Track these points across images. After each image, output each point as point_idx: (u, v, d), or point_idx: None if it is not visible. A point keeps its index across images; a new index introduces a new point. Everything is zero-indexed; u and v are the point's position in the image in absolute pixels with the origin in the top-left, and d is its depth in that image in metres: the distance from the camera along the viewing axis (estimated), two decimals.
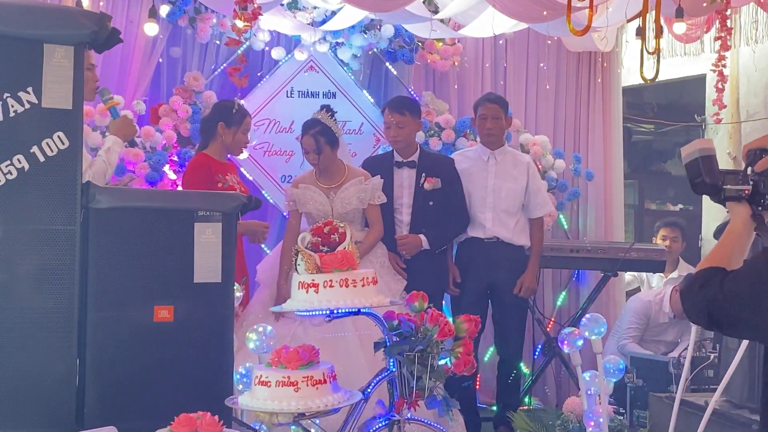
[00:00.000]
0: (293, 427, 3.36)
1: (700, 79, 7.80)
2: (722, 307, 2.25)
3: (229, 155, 5.44)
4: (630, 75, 7.53)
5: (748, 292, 2.21)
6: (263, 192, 6.24)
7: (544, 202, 5.97)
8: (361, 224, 5.37)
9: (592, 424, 4.15)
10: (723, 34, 6.33)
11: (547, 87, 7.08)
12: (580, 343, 4.30)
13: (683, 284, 2.39)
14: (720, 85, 6.46)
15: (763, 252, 2.26)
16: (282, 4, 5.98)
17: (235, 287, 3.81)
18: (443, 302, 5.77)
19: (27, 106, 3.30)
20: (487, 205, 5.79)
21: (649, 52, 5.13)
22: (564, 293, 6.99)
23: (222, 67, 6.23)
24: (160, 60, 6.16)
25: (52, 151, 3.32)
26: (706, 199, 7.80)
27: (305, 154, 5.35)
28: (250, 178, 6.21)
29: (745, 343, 3.65)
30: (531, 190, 5.87)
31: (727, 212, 2.50)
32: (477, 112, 5.86)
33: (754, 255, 2.36)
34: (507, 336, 5.89)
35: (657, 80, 5.35)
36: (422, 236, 5.54)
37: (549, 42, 7.03)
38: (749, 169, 2.42)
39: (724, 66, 6.42)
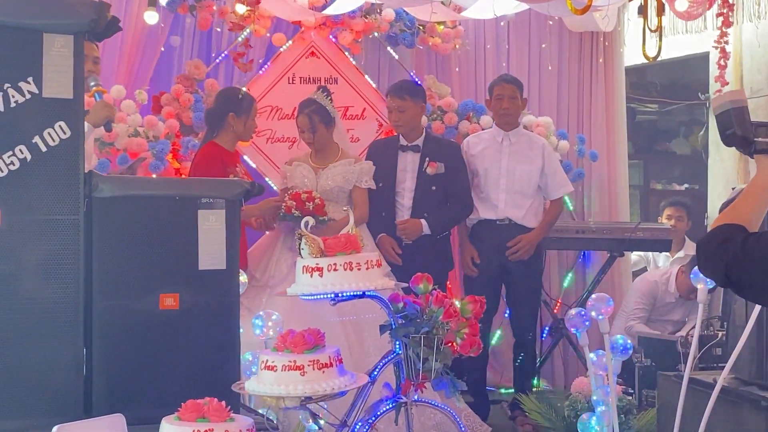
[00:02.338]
0: (300, 411, 3.36)
1: (704, 57, 7.76)
2: (742, 268, 2.18)
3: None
4: (633, 54, 7.49)
5: None
6: (266, 179, 6.23)
7: (561, 182, 5.96)
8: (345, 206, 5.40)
9: (601, 404, 4.14)
10: (725, 11, 6.30)
11: (550, 68, 7.05)
12: (588, 323, 4.30)
13: (701, 238, 2.31)
14: (723, 62, 6.43)
15: None
16: None
17: (240, 273, 3.81)
18: (447, 285, 5.78)
19: (28, 96, 3.30)
20: (501, 186, 5.79)
21: (651, 30, 5.11)
22: (570, 274, 6.98)
23: (224, 55, 6.22)
24: (162, 49, 6.14)
25: (53, 140, 3.32)
26: (711, 177, 7.83)
27: (300, 133, 5.50)
28: (253, 165, 6.20)
29: (752, 320, 3.64)
30: (547, 171, 5.86)
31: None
32: (492, 92, 5.88)
33: None
34: (521, 318, 5.89)
35: (660, 59, 5.33)
36: (423, 221, 5.55)
37: (550, 23, 7.00)
38: None
39: (726, 43, 6.38)
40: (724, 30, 6.31)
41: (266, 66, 6.34)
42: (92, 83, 4.41)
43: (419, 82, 6.44)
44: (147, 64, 6.10)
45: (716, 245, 2.22)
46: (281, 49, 6.35)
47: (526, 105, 6.17)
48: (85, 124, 4.26)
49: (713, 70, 7.23)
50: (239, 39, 6.07)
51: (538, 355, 6.53)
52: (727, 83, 6.72)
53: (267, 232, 5.57)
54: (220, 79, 6.22)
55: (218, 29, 6.20)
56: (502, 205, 5.79)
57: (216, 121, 5.29)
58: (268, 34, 6.30)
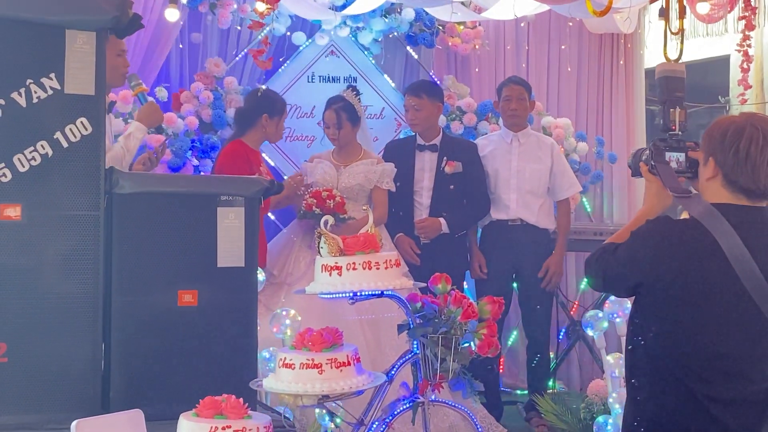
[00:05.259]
0: (317, 409, 3.36)
1: (724, 60, 7.73)
2: (611, 267, 2.65)
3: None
4: (653, 57, 7.46)
5: (627, 250, 2.61)
6: (285, 177, 6.23)
7: (570, 182, 5.95)
8: (364, 205, 5.41)
9: (617, 407, 4.13)
10: (747, 14, 6.27)
11: (569, 69, 7.04)
12: (605, 325, 4.29)
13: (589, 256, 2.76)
14: (745, 65, 6.40)
15: (648, 222, 2.65)
16: None
17: (258, 271, 3.82)
18: (465, 285, 5.77)
19: (50, 92, 3.31)
20: (512, 186, 5.78)
21: (672, 33, 5.08)
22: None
23: (244, 52, 6.23)
24: (180, 46, 6.16)
25: (75, 136, 3.34)
26: None
27: (325, 129, 5.53)
28: (272, 163, 6.21)
29: None
30: (556, 171, 5.86)
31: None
32: (501, 94, 5.86)
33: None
34: (534, 320, 5.88)
35: (680, 61, 5.29)
36: (442, 220, 5.56)
37: (570, 24, 6.98)
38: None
39: (749, 46, 6.36)
40: (746, 33, 6.28)
41: (286, 64, 6.35)
42: (133, 83, 4.42)
43: (438, 83, 6.44)
44: (162, 60, 6.10)
45: (597, 255, 2.71)
46: (301, 48, 6.36)
47: (534, 107, 6.14)
48: (138, 124, 4.28)
49: (734, 73, 7.20)
50: (259, 37, 6.07)
51: (555, 357, 6.51)
52: (750, 86, 6.69)
53: (284, 230, 5.61)
54: (240, 76, 6.22)
55: (238, 27, 6.20)
56: (513, 205, 5.78)
57: (248, 120, 5.28)
58: (288, 33, 6.31)
